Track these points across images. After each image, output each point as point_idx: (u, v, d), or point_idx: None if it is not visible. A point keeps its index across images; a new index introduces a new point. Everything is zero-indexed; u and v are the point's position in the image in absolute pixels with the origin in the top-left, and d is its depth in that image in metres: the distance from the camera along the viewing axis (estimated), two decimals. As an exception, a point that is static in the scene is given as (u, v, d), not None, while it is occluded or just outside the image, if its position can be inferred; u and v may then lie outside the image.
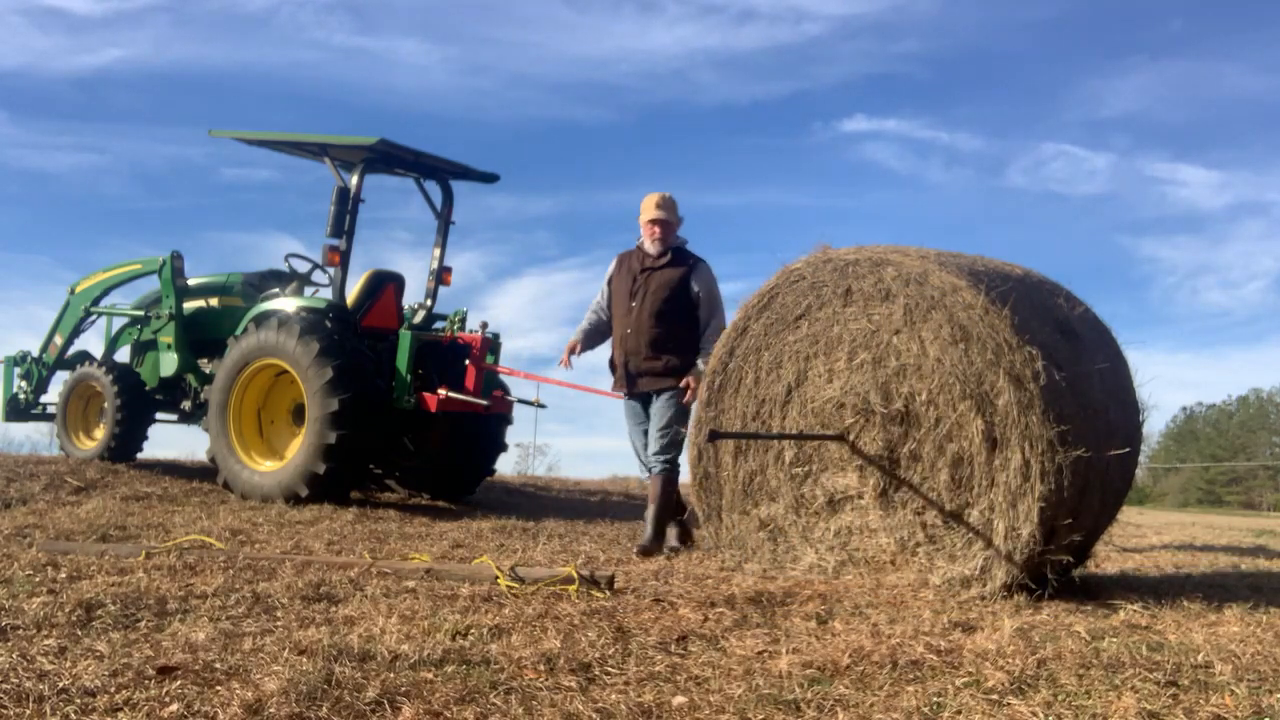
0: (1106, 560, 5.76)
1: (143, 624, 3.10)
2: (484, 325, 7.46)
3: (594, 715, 2.33)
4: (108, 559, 4.25)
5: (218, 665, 2.59)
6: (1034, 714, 2.42)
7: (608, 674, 2.70)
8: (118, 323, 9.09)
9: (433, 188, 8.21)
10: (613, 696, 2.47)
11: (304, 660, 2.65)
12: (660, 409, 5.62)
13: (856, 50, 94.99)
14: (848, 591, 4.09)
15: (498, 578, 3.98)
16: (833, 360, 4.59)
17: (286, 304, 7.60)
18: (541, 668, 2.71)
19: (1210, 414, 69.75)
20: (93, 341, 15.77)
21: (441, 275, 8.17)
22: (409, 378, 7.35)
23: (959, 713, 2.44)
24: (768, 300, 4.80)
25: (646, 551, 5.41)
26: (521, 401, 7.98)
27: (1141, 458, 5.08)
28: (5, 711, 2.19)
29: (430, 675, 2.58)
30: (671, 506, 5.76)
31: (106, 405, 8.54)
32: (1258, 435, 65.66)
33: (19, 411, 9.53)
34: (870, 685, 2.65)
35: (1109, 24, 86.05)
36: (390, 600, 3.58)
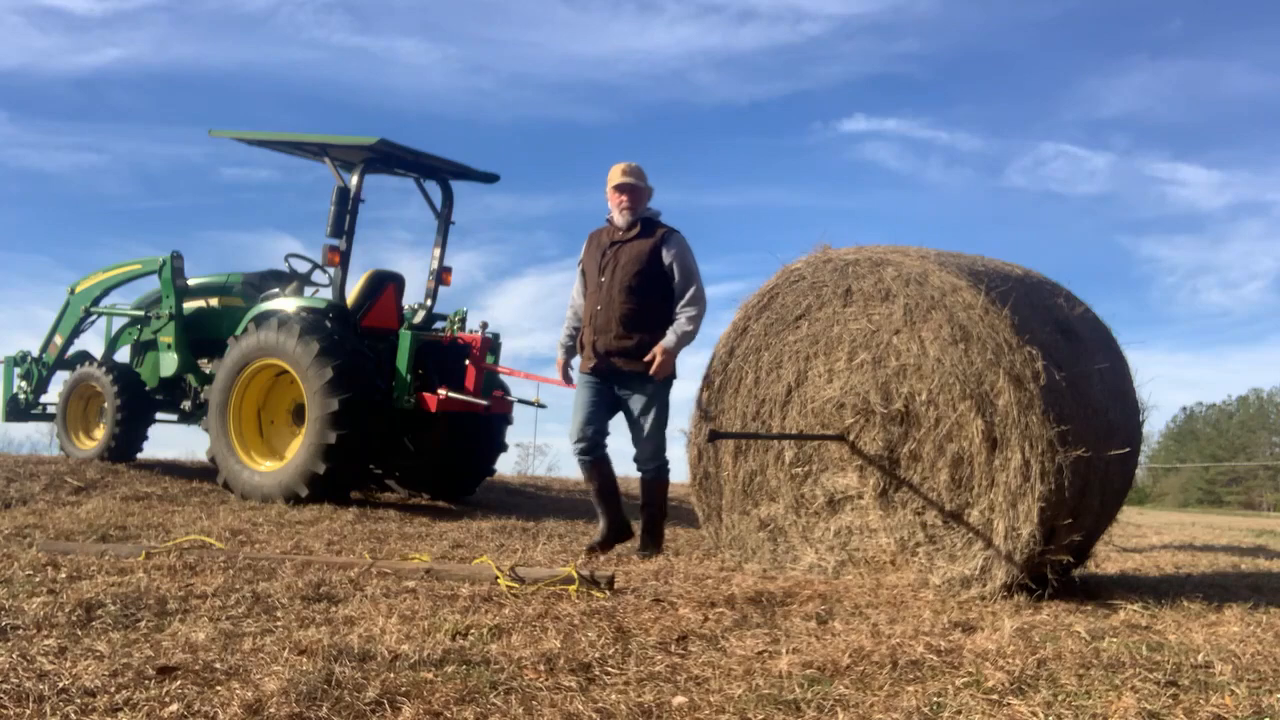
0: (1106, 560, 5.76)
1: (143, 624, 3.09)
2: (484, 325, 7.47)
3: (594, 715, 2.33)
4: (108, 559, 4.25)
5: (218, 665, 2.59)
6: (1034, 714, 2.42)
7: (608, 674, 2.69)
8: (118, 323, 9.09)
9: (433, 188, 8.21)
10: (613, 696, 2.47)
11: (304, 660, 2.65)
12: (641, 409, 5.30)
13: (856, 50, 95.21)
14: (848, 591, 4.09)
15: (498, 578, 3.97)
16: (833, 360, 4.59)
17: (286, 304, 7.60)
18: (541, 668, 2.70)
19: (1210, 414, 69.85)
20: (93, 341, 15.81)
21: (441, 275, 8.17)
22: (409, 378, 7.35)
23: (959, 713, 2.43)
24: (768, 300, 4.80)
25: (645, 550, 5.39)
26: (521, 401, 7.98)
27: (1141, 458, 5.08)
28: (5, 711, 2.19)
29: (430, 675, 2.57)
30: (665, 508, 5.56)
31: (106, 405, 8.54)
32: (1258, 435, 65.74)
33: (19, 411, 9.53)
34: (870, 685, 2.65)
35: (1109, 24, 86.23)
36: (390, 600, 3.58)
